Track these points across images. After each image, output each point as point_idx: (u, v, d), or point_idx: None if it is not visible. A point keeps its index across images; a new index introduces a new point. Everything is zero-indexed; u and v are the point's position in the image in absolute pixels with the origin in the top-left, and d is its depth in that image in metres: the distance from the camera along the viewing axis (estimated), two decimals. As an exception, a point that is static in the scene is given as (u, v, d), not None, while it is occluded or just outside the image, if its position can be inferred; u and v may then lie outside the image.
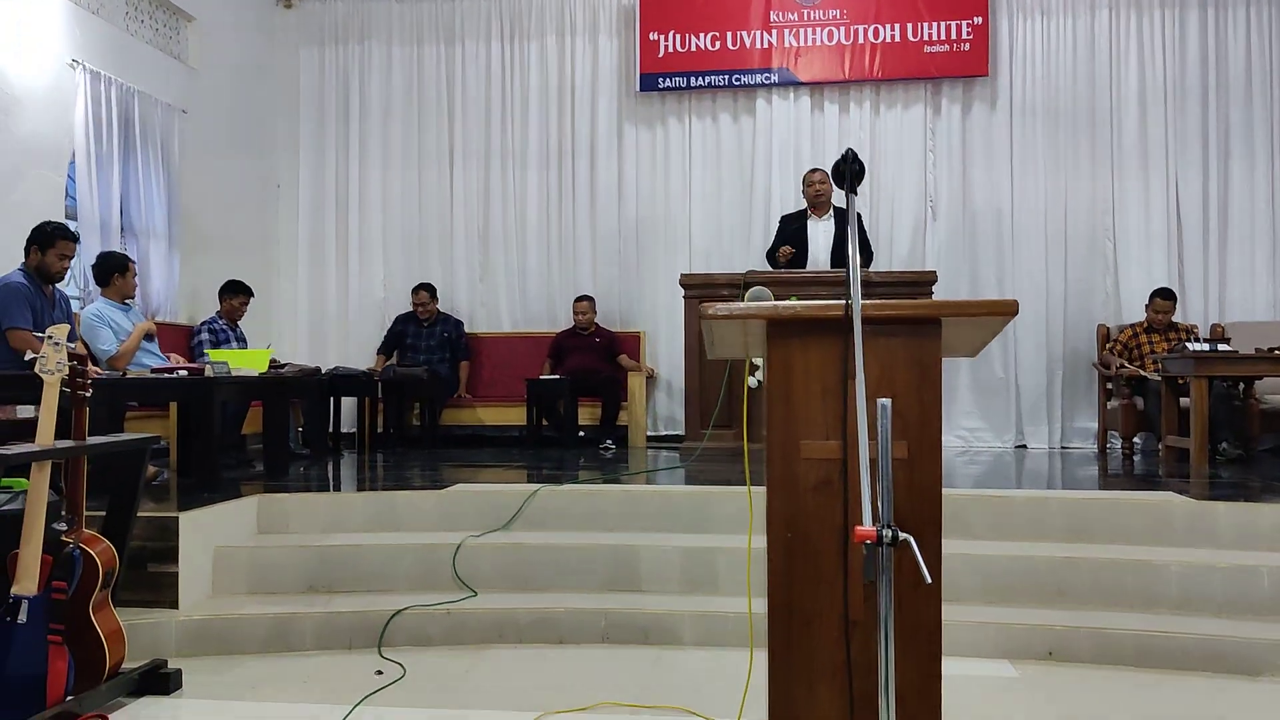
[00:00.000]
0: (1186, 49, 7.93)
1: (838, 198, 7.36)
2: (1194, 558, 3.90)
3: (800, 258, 7.16)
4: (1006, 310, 1.85)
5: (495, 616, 3.92)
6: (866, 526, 1.62)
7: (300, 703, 3.24)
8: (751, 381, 6.50)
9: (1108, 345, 7.47)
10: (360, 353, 8.45)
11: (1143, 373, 6.97)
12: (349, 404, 7.95)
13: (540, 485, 4.64)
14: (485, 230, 8.60)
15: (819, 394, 1.90)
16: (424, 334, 8.13)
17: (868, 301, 1.82)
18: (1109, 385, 7.48)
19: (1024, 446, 7.96)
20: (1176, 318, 7.39)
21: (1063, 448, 7.90)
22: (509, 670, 3.62)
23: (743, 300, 1.98)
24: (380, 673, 3.51)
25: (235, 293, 6.82)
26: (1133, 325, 7.34)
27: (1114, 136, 7.98)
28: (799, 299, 6.51)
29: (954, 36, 8.04)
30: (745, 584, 4.09)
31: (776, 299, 6.78)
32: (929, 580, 1.60)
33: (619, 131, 8.47)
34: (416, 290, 8.19)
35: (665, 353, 8.32)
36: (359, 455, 7.11)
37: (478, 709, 3.16)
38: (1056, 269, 8.00)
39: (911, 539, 1.62)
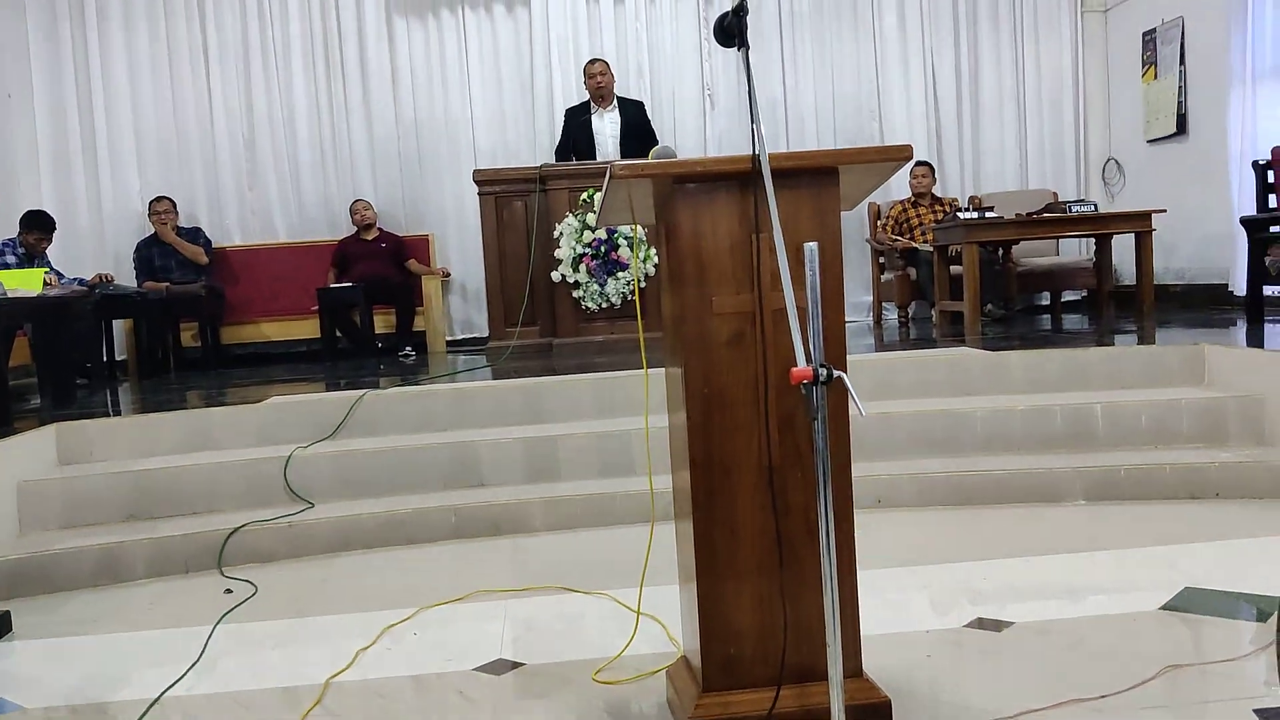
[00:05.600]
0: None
1: (619, 88, 7.36)
2: (994, 404, 4.25)
3: (589, 150, 7.16)
4: (901, 155, 1.93)
5: (339, 524, 3.81)
6: (801, 373, 1.67)
7: (152, 629, 3.06)
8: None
9: (880, 221, 7.90)
10: (122, 270, 7.80)
11: (915, 244, 7.43)
12: (115, 328, 7.38)
13: (364, 390, 4.50)
14: (251, 135, 8.08)
15: (727, 250, 1.92)
16: (169, 251, 7.58)
17: (772, 153, 1.85)
18: (881, 259, 7.94)
19: (808, 323, 8.36)
20: (937, 191, 7.91)
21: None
22: (366, 574, 3.54)
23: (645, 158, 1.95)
24: (230, 591, 3.36)
25: (31, 228, 6.18)
26: (900, 201, 7.79)
27: (874, 19, 8.33)
28: (595, 191, 6.51)
29: (722, -78, 8.10)
30: (587, 470, 4.17)
31: (571, 192, 6.70)
32: (863, 414, 1.67)
33: (388, 23, 8.09)
34: (155, 203, 7.60)
35: (457, 254, 8.17)
36: (141, 380, 6.64)
37: (349, 612, 3.08)
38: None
39: (845, 375, 1.69)
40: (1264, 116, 6.56)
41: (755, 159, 1.83)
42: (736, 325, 1.93)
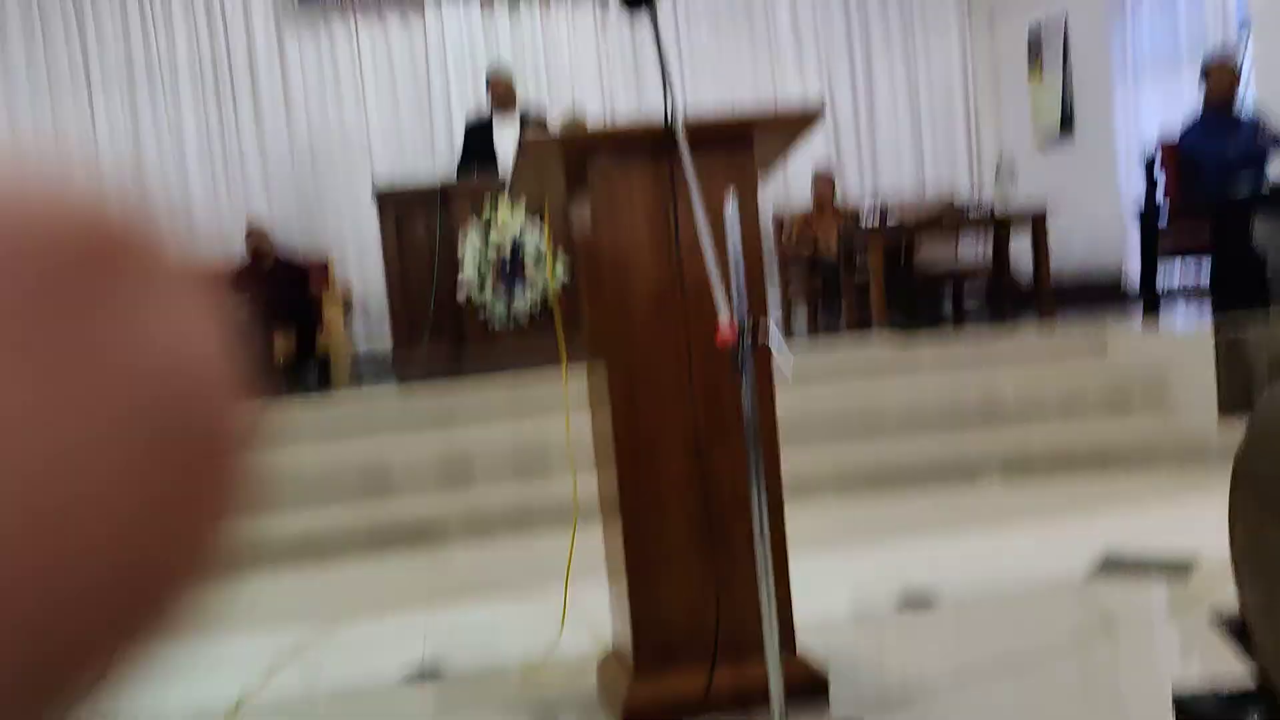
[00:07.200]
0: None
1: (520, 94, 7.30)
2: (907, 388, 4.29)
3: (490, 162, 7.07)
4: (812, 116, 1.91)
5: (244, 542, 3.64)
6: (726, 330, 1.63)
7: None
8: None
9: (784, 233, 7.96)
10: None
11: (819, 254, 7.50)
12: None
13: (265, 400, 4.32)
14: (137, 162, 7.80)
15: (644, 216, 1.88)
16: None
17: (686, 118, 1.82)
18: (788, 272, 8.00)
19: (717, 332, 8.38)
20: (837, 202, 8.01)
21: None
22: (278, 592, 3.38)
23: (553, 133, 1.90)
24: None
25: None
26: (804, 213, 7.86)
27: (770, 32, 8.43)
28: (497, 205, 6.35)
29: (615, -65, 8.12)
30: (503, 474, 4.08)
31: (473, 208, 6.56)
32: (789, 376, 1.64)
33: (279, 38, 7.91)
34: None
35: (357, 276, 7.98)
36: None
37: (262, 631, 2.94)
38: (730, 160, 8.40)
39: (773, 326, 1.65)
40: (1146, 111, 6.79)
41: (669, 121, 1.79)
42: (658, 296, 1.89)
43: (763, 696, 1.79)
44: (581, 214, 1.96)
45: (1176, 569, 2.67)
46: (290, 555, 3.63)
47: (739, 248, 1.66)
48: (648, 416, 1.92)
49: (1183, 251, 5.54)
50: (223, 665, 2.69)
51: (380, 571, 3.50)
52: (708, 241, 1.68)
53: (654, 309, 1.89)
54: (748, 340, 1.62)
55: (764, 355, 1.85)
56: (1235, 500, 0.87)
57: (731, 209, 1.64)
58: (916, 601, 2.66)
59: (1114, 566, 2.77)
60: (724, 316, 1.63)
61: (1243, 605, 0.83)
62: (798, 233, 7.74)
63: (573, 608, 2.50)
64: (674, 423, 1.93)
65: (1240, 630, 0.88)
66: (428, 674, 2.50)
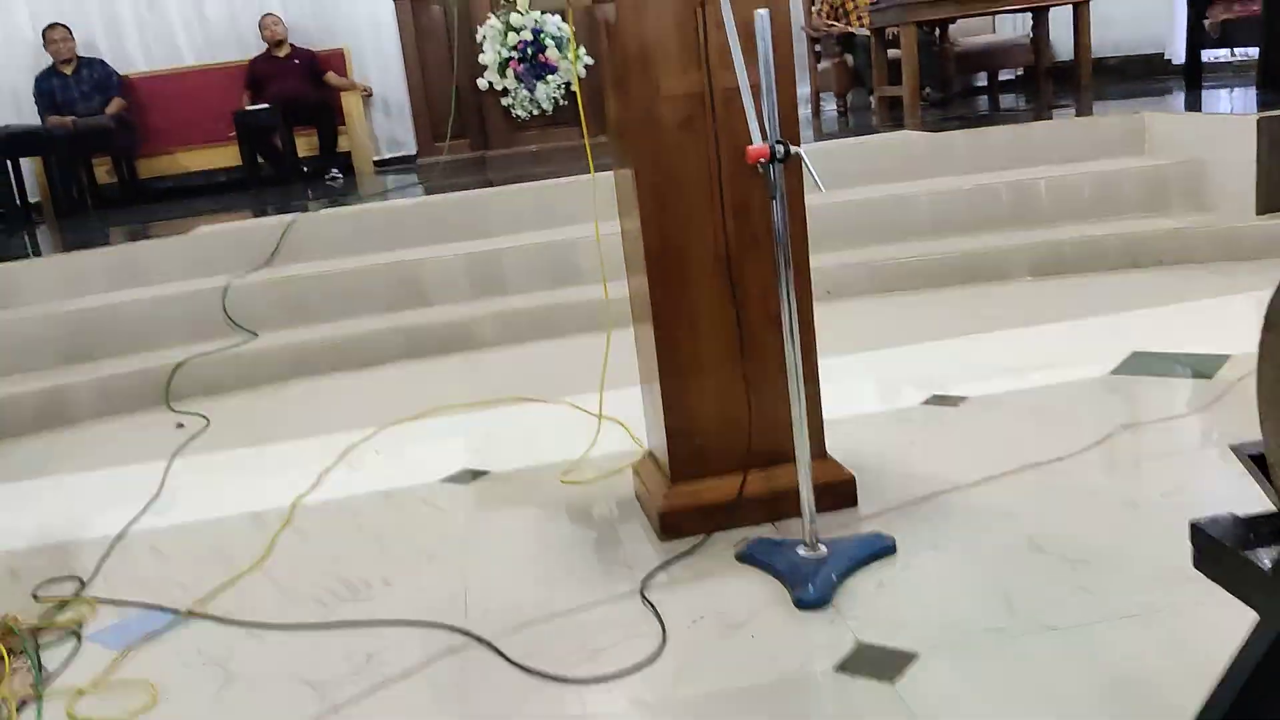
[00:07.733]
0: None
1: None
2: (939, 186, 4.22)
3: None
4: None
5: (286, 352, 3.74)
6: (759, 145, 1.60)
7: (106, 468, 3.02)
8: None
9: (815, 7, 7.64)
10: (21, 106, 7.35)
11: (851, 29, 7.22)
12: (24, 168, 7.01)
13: (295, 215, 4.34)
14: (146, -48, 7.50)
15: (672, 27, 1.82)
16: (71, 83, 7.12)
17: (715, -82, 1.73)
18: (817, 47, 7.73)
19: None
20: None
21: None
22: (320, 399, 3.50)
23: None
24: (182, 425, 3.30)
25: None
26: (836, -16, 7.52)
27: None
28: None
29: None
30: (533, 282, 4.10)
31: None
32: (823, 190, 1.62)
33: None
34: (49, 31, 7.08)
35: (376, 68, 7.78)
36: (59, 220, 6.37)
37: (308, 436, 3.06)
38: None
39: (803, 152, 1.63)
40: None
41: (697, -76, 1.70)
42: (686, 108, 1.85)
43: (795, 500, 1.87)
44: (605, 14, 1.89)
45: (1205, 368, 2.69)
46: (328, 364, 3.72)
47: (771, 63, 1.61)
48: (677, 228, 1.92)
49: (1230, 42, 5.32)
50: (272, 469, 2.82)
51: (417, 378, 3.59)
52: (739, 56, 1.63)
53: (683, 119, 1.85)
54: (779, 157, 1.60)
55: (795, 167, 1.83)
56: (1266, 343, 0.87)
57: (763, 22, 1.58)
58: (945, 400, 2.71)
59: (1144, 363, 2.80)
60: (756, 139, 1.60)
61: (1268, 449, 0.85)
62: (828, 7, 7.43)
63: (609, 409, 2.58)
64: (704, 235, 1.93)
65: (1262, 466, 0.90)
66: (467, 474, 2.61)
